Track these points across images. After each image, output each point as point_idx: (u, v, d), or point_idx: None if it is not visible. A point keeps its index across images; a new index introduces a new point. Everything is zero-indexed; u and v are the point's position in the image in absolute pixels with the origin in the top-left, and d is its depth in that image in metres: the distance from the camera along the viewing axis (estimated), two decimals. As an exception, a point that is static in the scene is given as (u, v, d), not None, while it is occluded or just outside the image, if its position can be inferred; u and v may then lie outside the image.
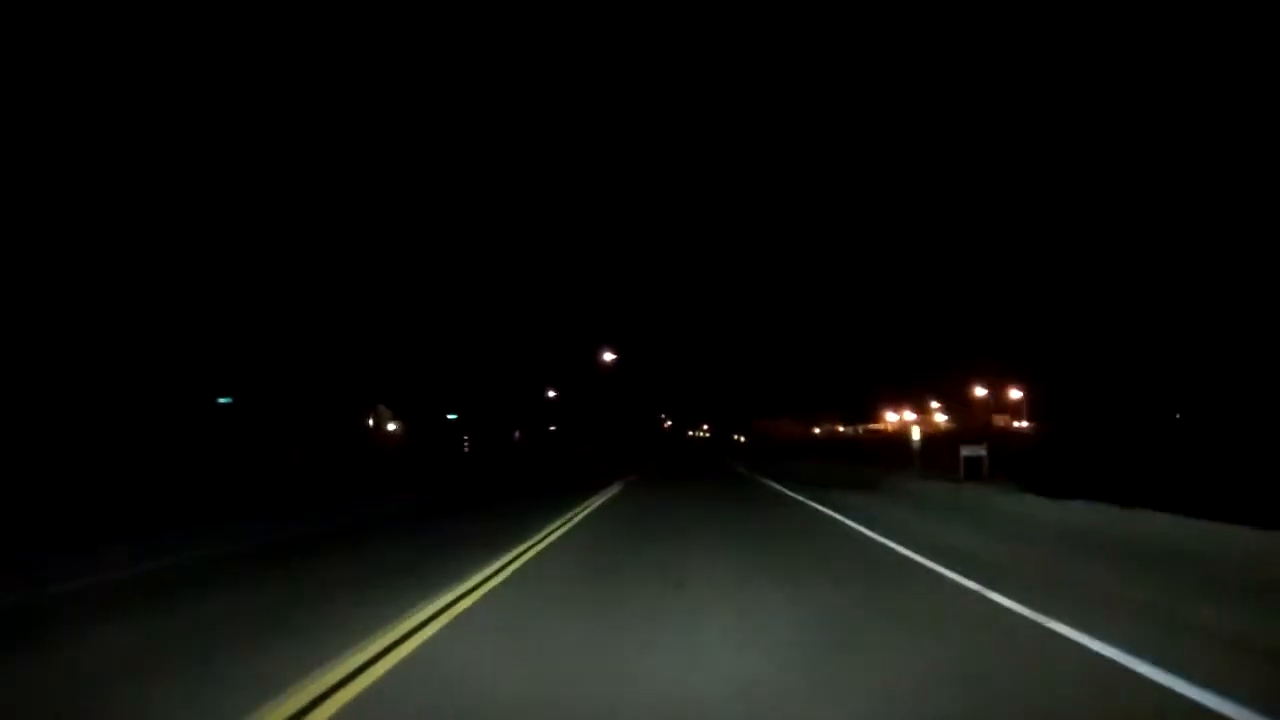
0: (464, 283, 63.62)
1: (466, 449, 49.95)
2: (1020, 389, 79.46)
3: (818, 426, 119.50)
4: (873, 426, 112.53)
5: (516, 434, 78.65)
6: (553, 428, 78.47)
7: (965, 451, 19.51)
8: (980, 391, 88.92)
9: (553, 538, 12.23)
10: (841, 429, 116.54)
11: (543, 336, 73.88)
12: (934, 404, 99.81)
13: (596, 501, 18.38)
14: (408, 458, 41.97)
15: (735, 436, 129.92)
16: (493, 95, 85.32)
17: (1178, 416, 35.01)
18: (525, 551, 10.62)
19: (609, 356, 52.12)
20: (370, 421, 49.56)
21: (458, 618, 6.84)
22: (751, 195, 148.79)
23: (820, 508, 16.37)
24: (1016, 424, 79.09)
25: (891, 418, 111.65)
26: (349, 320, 42.68)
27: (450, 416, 55.01)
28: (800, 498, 18.14)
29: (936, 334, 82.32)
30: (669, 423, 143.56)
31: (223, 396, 28.31)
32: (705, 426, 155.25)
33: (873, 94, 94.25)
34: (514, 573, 9.06)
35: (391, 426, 53.40)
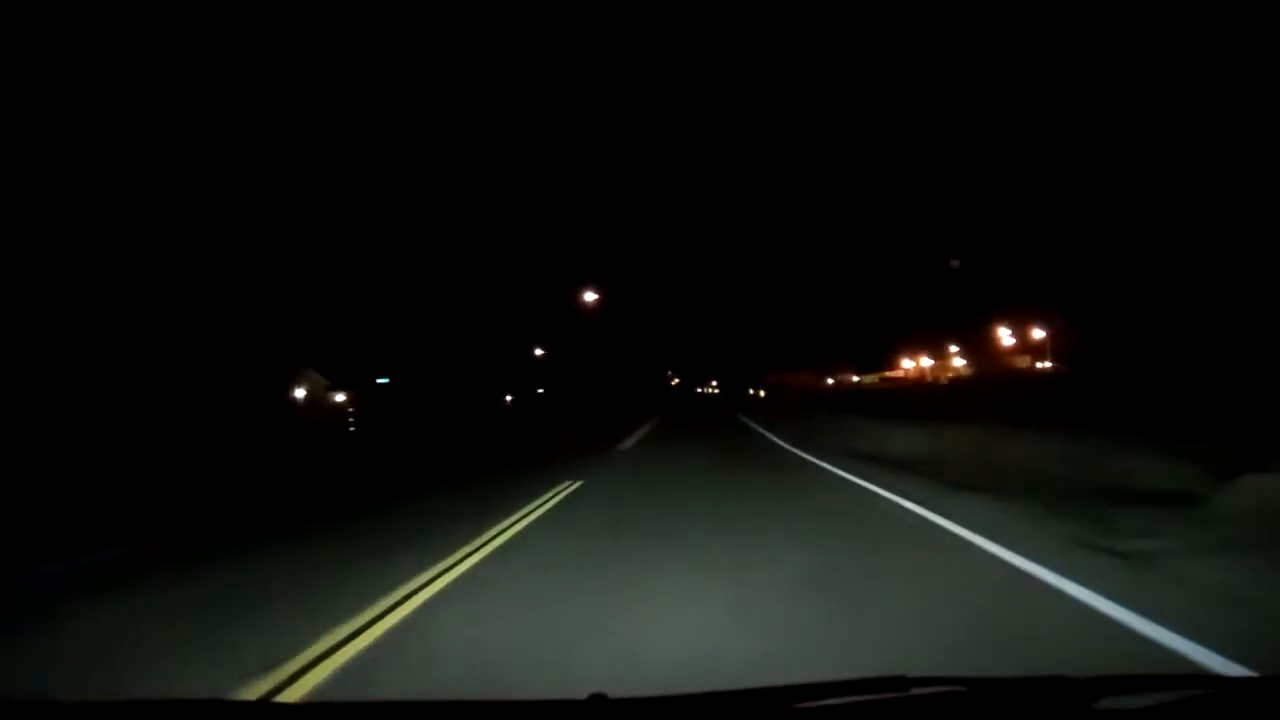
0: (429, 226, 52.64)
1: (351, 425, 35.39)
2: (1045, 329, 71.96)
3: (831, 377, 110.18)
4: (889, 374, 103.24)
5: (508, 398, 67.96)
6: (540, 390, 67.38)
7: None
8: (1004, 332, 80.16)
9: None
10: (856, 379, 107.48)
11: (529, 293, 63.00)
12: (953, 348, 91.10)
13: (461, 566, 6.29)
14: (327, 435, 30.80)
15: (751, 390, 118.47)
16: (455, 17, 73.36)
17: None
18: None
19: (591, 296, 40.58)
20: (300, 392, 38.53)
21: None
22: (755, 141, 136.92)
23: None
24: (1040, 365, 71.19)
25: (907, 364, 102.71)
26: (260, 270, 32.08)
27: (381, 380, 43.42)
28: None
29: (953, 275, 73.50)
30: (676, 380, 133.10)
31: None
32: (714, 382, 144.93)
33: (884, 33, 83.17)
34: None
35: (340, 397, 42.57)
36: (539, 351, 60.41)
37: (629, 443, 23.22)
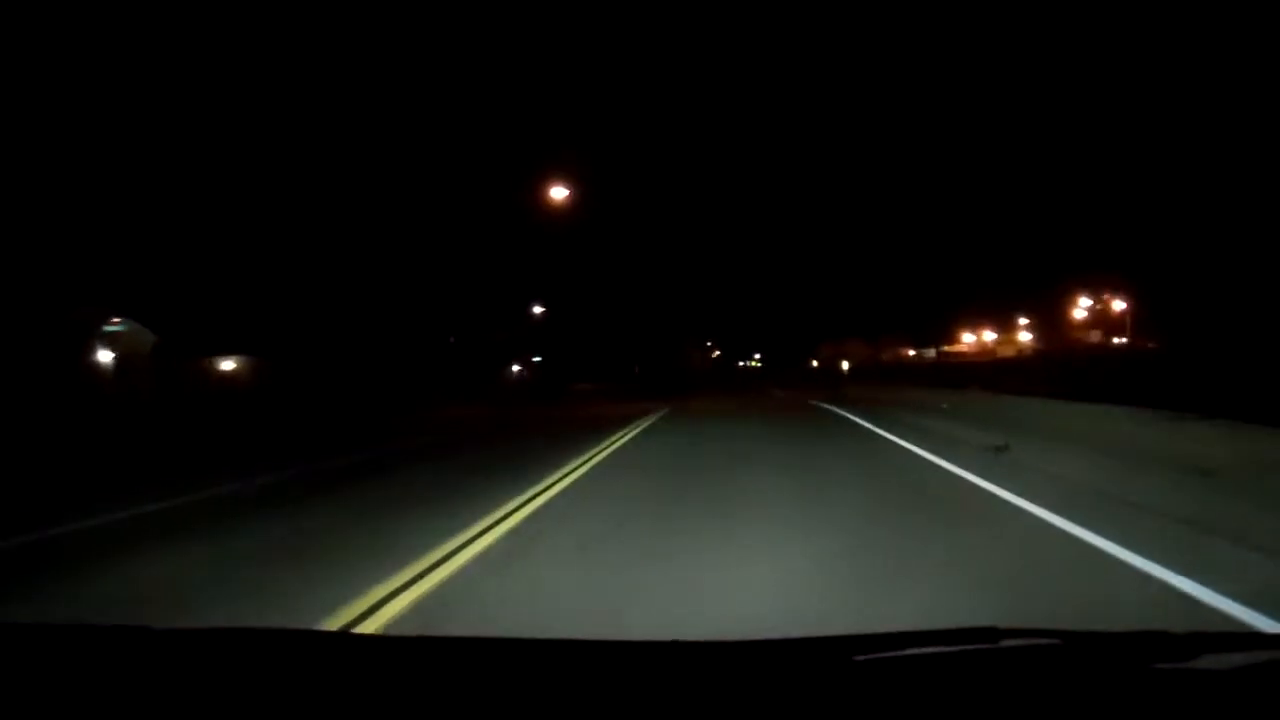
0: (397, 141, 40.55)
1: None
2: (1125, 300, 60.46)
3: (883, 352, 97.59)
4: (947, 349, 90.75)
5: (518, 368, 56.70)
6: (537, 359, 55.58)
7: None
8: (1084, 303, 68.35)
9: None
10: (912, 352, 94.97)
11: (536, 245, 50.71)
12: (1021, 321, 78.87)
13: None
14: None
15: (815, 363, 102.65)
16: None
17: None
18: None
19: (560, 193, 25.90)
20: (106, 355, 25.50)
21: None
22: (805, 102, 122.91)
23: None
24: (1116, 341, 60.02)
25: (968, 339, 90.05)
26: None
27: (245, 352, 28.75)
28: None
29: (1023, 238, 62.10)
30: (717, 352, 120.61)
31: None
32: (756, 355, 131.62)
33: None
34: None
35: (228, 365, 30.82)
36: (538, 310, 48.48)
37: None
